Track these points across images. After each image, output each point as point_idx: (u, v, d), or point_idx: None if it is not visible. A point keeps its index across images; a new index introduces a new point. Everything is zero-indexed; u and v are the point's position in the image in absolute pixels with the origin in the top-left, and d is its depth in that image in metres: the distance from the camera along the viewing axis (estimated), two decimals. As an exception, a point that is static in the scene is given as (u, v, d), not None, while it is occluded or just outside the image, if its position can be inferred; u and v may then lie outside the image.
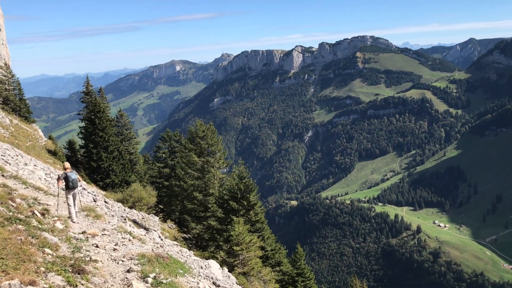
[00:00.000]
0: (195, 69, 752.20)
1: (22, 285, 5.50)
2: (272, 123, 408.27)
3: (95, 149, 48.54)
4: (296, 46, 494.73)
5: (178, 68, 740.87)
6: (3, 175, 16.06)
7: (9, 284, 5.30)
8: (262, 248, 25.84)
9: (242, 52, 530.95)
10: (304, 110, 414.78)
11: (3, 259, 6.37)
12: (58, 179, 13.24)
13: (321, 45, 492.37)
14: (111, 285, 8.18)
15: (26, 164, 23.89)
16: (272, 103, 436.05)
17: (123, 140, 58.81)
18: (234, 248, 21.09)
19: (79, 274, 7.80)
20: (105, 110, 53.75)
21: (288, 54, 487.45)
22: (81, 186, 23.29)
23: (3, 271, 5.98)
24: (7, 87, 54.81)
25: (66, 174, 13.24)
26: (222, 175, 31.11)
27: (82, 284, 7.41)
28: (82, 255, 9.35)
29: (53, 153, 51.62)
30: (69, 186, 13.13)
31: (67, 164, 13.80)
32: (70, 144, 56.16)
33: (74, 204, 13.30)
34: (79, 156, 53.17)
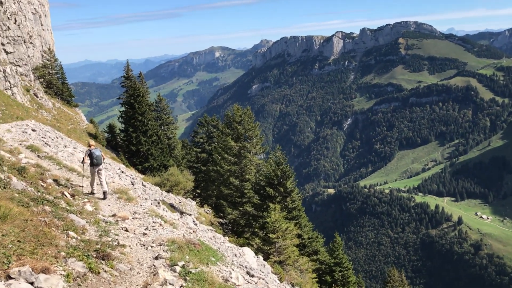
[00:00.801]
0: (234, 55, 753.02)
1: (33, 272, 5.00)
2: (311, 110, 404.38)
3: (135, 133, 49.00)
4: (336, 32, 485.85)
5: (217, 54, 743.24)
6: (38, 156, 15.97)
7: (19, 270, 4.81)
8: (299, 236, 25.12)
9: (281, 38, 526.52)
10: (344, 97, 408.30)
11: (20, 242, 5.91)
12: (84, 158, 13.52)
13: (363, 30, 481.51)
14: (137, 272, 7.67)
15: (65, 146, 24.00)
16: (310, 90, 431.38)
17: (162, 124, 59.20)
18: (270, 235, 20.49)
19: (103, 260, 7.32)
20: (144, 94, 54.14)
21: (328, 40, 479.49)
22: (108, 164, 23.24)
23: (18, 256, 5.51)
24: (50, 71, 55.96)
25: (90, 150, 13.46)
26: (258, 160, 30.51)
27: (105, 271, 6.91)
28: (110, 239, 8.91)
29: (93, 136, 52.50)
30: (94, 163, 13.35)
31: (92, 141, 14.10)
32: (111, 128, 57.04)
33: (100, 181, 13.46)
34: (119, 140, 53.89)
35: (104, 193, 13.25)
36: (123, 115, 50.94)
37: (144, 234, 10.04)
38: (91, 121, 66.15)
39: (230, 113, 31.62)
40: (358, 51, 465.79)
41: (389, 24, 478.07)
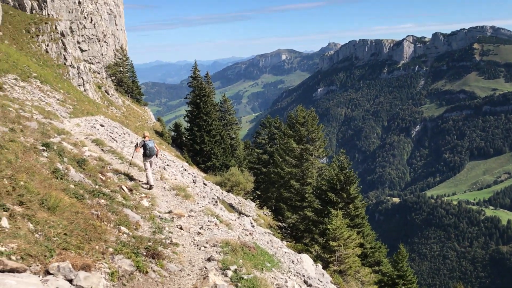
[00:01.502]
0: (300, 58, 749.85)
1: (73, 268, 4.68)
2: (377, 116, 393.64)
3: (199, 132, 49.69)
4: (407, 36, 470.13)
5: (283, 57, 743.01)
6: (102, 150, 16.22)
7: (58, 266, 4.51)
8: (361, 245, 23.97)
9: (349, 42, 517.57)
10: (413, 103, 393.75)
11: (66, 235, 5.67)
12: (136, 145, 13.76)
13: (435, 35, 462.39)
14: (187, 274, 7.27)
15: (131, 142, 24.47)
16: (378, 95, 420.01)
17: (226, 125, 59.71)
18: (331, 243, 19.60)
19: (153, 258, 6.97)
20: (210, 94, 54.86)
21: (398, 44, 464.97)
22: (163, 158, 23.41)
23: (62, 250, 5.25)
24: (122, 70, 58.15)
25: (144, 142, 13.66)
26: (321, 164, 29.61)
27: (154, 271, 6.55)
28: (163, 236, 8.61)
29: (160, 134, 53.89)
30: (146, 154, 13.57)
31: (147, 133, 14.20)
32: (177, 126, 58.36)
33: (152, 172, 13.72)
34: (184, 138, 54.97)
35: (151, 186, 13.38)
36: (188, 114, 51.88)
37: (199, 233, 9.69)
38: (158, 120, 68.14)
39: (293, 115, 30.99)
40: (430, 56, 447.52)
41: (463, 29, 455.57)
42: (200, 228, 10.06)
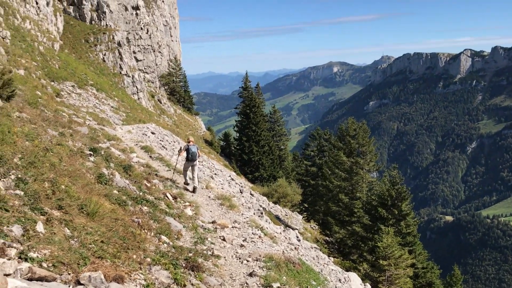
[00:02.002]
0: (352, 71, 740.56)
1: (105, 279, 4.42)
2: (431, 131, 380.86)
3: (247, 142, 49.69)
4: (464, 50, 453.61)
5: (335, 69, 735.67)
6: (150, 156, 16.29)
7: (89, 276, 4.26)
8: (413, 265, 22.78)
9: (403, 55, 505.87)
10: (469, 118, 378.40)
11: (103, 242, 5.46)
12: (180, 150, 14.27)
13: (494, 49, 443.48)
14: (228, 289, 6.90)
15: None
16: (432, 109, 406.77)
17: (275, 135, 59.46)
18: (381, 261, 18.68)
19: (192, 270, 6.67)
20: (259, 105, 54.90)
21: (455, 58, 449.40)
22: (204, 162, 23.45)
23: (97, 258, 5.03)
24: (175, 79, 59.40)
25: (188, 146, 14.01)
26: (371, 178, 28.60)
27: (192, 284, 6.22)
28: (204, 247, 8.31)
29: (209, 143, 54.40)
30: (188, 158, 13.88)
31: (191, 138, 14.57)
32: (226, 136, 58.75)
33: (193, 176, 13.91)
34: (233, 148, 55.21)
35: (194, 188, 13.64)
36: (238, 124, 52.09)
37: (242, 246, 9.32)
38: (208, 129, 68.98)
39: (344, 127, 30.23)
40: (488, 71, 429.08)
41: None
42: (243, 240, 9.71)
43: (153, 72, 53.16)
